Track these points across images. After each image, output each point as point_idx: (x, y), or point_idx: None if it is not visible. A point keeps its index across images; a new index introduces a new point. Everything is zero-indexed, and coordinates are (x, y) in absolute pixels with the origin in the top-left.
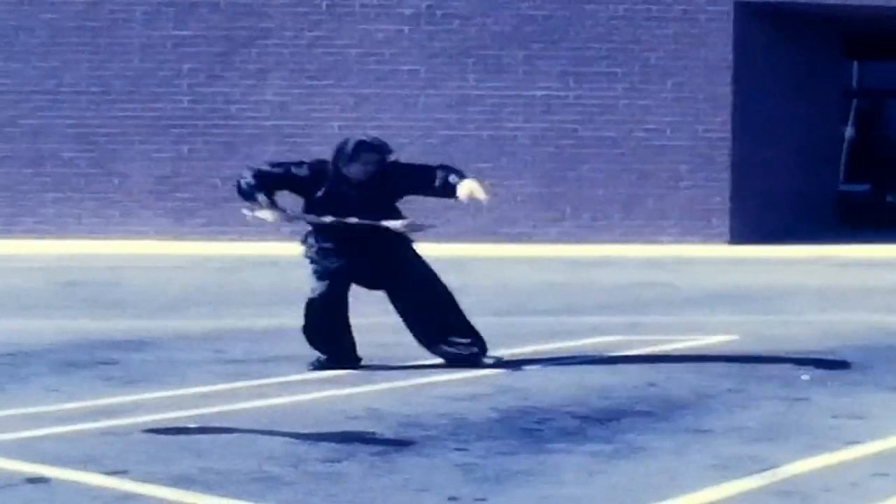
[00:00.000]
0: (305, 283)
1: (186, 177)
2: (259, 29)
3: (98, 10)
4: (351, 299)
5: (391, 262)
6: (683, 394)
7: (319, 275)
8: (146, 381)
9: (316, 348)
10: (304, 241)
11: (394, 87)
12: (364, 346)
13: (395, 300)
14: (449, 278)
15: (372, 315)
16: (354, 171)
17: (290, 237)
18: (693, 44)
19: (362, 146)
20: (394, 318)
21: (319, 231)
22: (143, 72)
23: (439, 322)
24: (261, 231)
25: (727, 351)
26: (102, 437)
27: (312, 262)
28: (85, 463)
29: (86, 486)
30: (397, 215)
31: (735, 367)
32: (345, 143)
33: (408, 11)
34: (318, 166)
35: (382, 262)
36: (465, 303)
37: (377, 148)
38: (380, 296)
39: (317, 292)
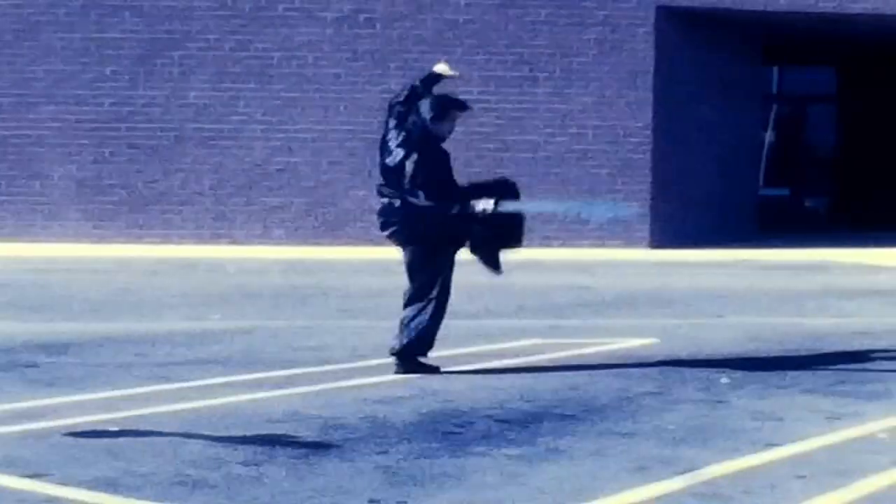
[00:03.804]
0: (230, 286)
1: (108, 180)
2: (182, 32)
3: (19, 13)
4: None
5: None
6: (604, 396)
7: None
8: (67, 384)
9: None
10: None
11: (316, 91)
12: (287, 350)
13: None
14: (371, 281)
15: (295, 318)
16: (445, 130)
17: (211, 239)
18: (614, 49)
19: (452, 103)
20: (322, 322)
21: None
22: (64, 74)
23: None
24: (181, 234)
25: (648, 354)
26: (23, 440)
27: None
28: (5, 465)
29: (6, 489)
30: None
31: (655, 369)
32: (433, 101)
33: (330, 15)
34: (419, 134)
35: None
36: (387, 306)
37: (462, 105)
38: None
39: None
